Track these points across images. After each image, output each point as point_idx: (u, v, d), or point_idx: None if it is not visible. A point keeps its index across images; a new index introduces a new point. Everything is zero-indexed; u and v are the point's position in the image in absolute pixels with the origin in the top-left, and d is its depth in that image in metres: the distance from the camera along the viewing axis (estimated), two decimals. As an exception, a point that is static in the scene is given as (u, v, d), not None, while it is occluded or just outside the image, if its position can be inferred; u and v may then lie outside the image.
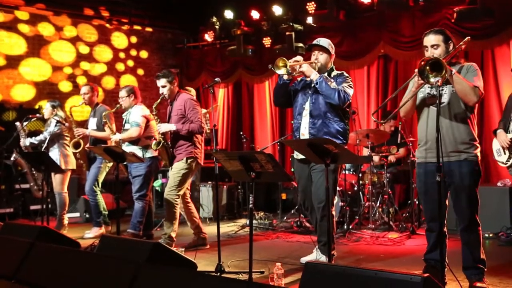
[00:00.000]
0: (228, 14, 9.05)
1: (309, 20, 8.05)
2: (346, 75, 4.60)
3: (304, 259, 4.62)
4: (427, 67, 3.33)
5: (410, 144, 6.38)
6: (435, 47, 3.65)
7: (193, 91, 6.44)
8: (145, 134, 5.89)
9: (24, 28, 8.84)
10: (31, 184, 7.49)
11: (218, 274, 4.11)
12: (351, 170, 7.09)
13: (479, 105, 7.12)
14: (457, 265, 3.75)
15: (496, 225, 5.72)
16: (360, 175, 6.80)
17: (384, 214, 6.41)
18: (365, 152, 6.85)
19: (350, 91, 4.46)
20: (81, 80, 9.33)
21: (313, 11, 7.91)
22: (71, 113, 6.48)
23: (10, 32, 8.69)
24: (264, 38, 8.87)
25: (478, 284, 3.59)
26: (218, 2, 9.26)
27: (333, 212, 4.57)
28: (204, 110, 6.42)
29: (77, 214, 7.99)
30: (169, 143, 5.41)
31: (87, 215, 7.63)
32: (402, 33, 7.45)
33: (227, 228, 6.85)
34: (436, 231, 3.74)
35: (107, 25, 9.86)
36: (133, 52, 10.26)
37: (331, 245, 3.96)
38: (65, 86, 9.30)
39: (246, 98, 10.17)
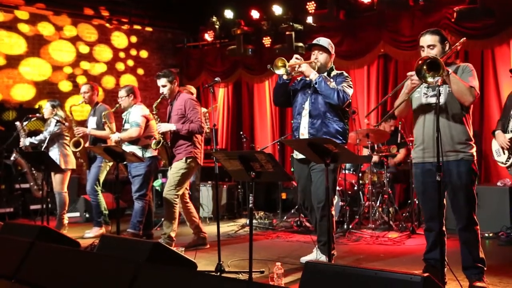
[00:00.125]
0: (228, 13, 9.05)
1: (309, 19, 8.05)
2: (346, 74, 4.60)
3: (304, 259, 4.62)
4: (424, 67, 3.34)
5: (410, 144, 6.37)
6: (431, 47, 3.66)
7: (193, 89, 6.44)
8: (145, 134, 5.89)
9: (24, 27, 8.84)
10: (31, 183, 7.49)
11: (218, 273, 4.11)
12: (351, 169, 7.09)
13: (479, 105, 7.21)
14: (457, 265, 3.75)
15: (496, 225, 5.73)
16: (360, 174, 6.80)
17: (384, 214, 6.41)
18: (365, 151, 6.85)
19: (350, 91, 4.45)
20: (81, 79, 9.33)
21: (313, 10, 7.91)
22: (71, 112, 6.48)
23: (10, 31, 8.69)
24: (264, 38, 8.87)
25: (478, 284, 3.59)
26: (218, 2, 9.26)
27: (333, 212, 4.57)
28: (204, 110, 6.41)
29: (77, 214, 7.99)
30: (169, 142, 5.41)
31: (87, 215, 7.63)
32: (402, 33, 7.46)
33: (227, 227, 6.85)
34: (435, 230, 3.74)
35: (107, 24, 9.86)
36: (133, 52, 10.26)
37: (331, 245, 3.96)
38: (65, 86, 9.30)
39: (246, 98, 10.17)
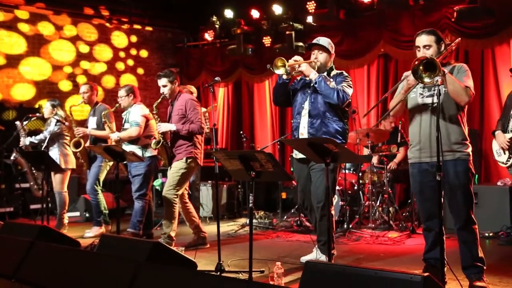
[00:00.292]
0: (228, 13, 9.05)
1: (309, 19, 8.05)
2: (346, 74, 4.59)
3: (304, 259, 4.62)
4: (421, 67, 3.34)
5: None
6: (427, 47, 3.67)
7: (194, 89, 6.44)
8: (145, 134, 5.89)
9: (24, 27, 8.84)
10: (31, 183, 7.49)
11: (218, 273, 4.11)
12: (351, 169, 7.09)
13: (479, 105, 7.21)
14: (457, 264, 3.75)
15: (496, 225, 5.72)
16: (360, 174, 6.80)
17: (384, 214, 6.41)
18: (365, 151, 6.85)
19: (349, 91, 4.45)
20: (81, 79, 9.33)
21: (313, 10, 7.91)
22: (71, 112, 6.48)
23: (10, 31, 8.69)
24: (264, 37, 8.87)
25: (478, 284, 3.59)
26: (218, 2, 9.26)
27: (333, 212, 4.57)
28: (203, 109, 6.41)
29: (77, 213, 7.99)
30: (169, 142, 5.41)
31: (87, 214, 7.63)
32: (402, 32, 7.46)
33: (227, 227, 6.85)
34: (434, 230, 3.75)
35: (107, 24, 9.86)
36: (133, 51, 10.26)
37: (330, 245, 3.96)
38: (65, 85, 9.30)
39: (246, 98, 10.17)
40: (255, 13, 8.74)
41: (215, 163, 4.54)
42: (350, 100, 4.51)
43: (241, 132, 8.29)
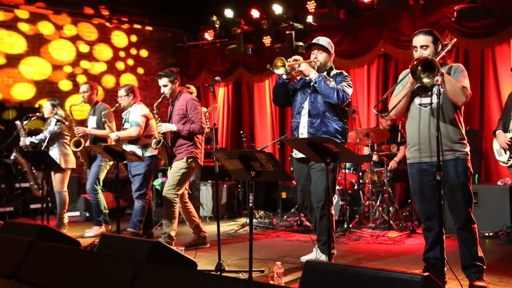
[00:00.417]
0: (228, 13, 9.05)
1: (309, 19, 8.05)
2: (345, 74, 4.59)
3: (304, 258, 4.62)
4: (419, 67, 3.35)
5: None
6: (424, 47, 3.67)
7: (193, 89, 6.44)
8: (145, 133, 5.88)
9: (24, 27, 8.84)
10: (31, 183, 7.49)
11: (218, 273, 4.11)
12: (351, 169, 7.09)
13: (479, 104, 7.21)
14: (457, 264, 3.75)
15: (496, 224, 5.72)
16: (360, 174, 6.80)
17: (384, 213, 6.41)
18: (365, 151, 6.85)
19: (349, 90, 4.45)
20: (81, 79, 9.33)
21: (313, 10, 7.91)
22: (71, 112, 6.48)
23: (10, 31, 8.69)
24: (264, 37, 8.87)
25: (478, 283, 3.59)
26: (218, 1, 9.26)
27: (333, 211, 4.57)
28: (204, 109, 6.41)
29: (77, 213, 7.99)
30: (169, 142, 5.40)
31: (87, 214, 7.63)
32: (402, 32, 7.45)
33: (227, 227, 6.85)
34: (434, 229, 3.75)
35: (107, 24, 9.86)
36: (133, 51, 10.26)
37: (330, 244, 3.96)
38: (65, 85, 9.30)
39: (246, 97, 10.17)
40: (255, 13, 8.73)
41: (215, 163, 4.54)
42: (350, 100, 4.50)
43: (241, 131, 8.30)
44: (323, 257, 4.44)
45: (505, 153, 5.09)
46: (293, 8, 8.31)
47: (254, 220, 6.81)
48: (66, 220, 6.55)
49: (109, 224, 6.43)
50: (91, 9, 9.49)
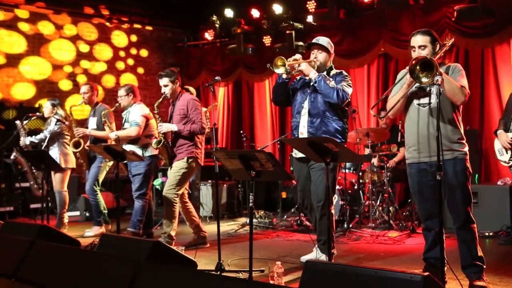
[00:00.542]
0: (228, 12, 9.05)
1: (309, 18, 8.05)
2: (345, 74, 4.59)
3: (304, 258, 4.62)
4: (417, 67, 3.35)
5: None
6: (422, 47, 3.68)
7: (192, 89, 6.43)
8: (145, 133, 5.88)
9: (24, 26, 8.83)
10: (31, 182, 7.49)
11: (218, 272, 4.11)
12: (351, 168, 7.09)
13: (479, 104, 7.21)
14: (457, 264, 3.75)
15: (496, 224, 5.72)
16: (360, 173, 6.80)
17: (384, 213, 6.41)
18: (366, 151, 6.85)
19: (349, 90, 4.45)
20: (81, 78, 9.33)
21: (313, 9, 7.91)
22: (71, 113, 6.48)
23: (10, 30, 8.69)
24: (264, 37, 8.87)
25: (478, 283, 3.59)
26: (218, 1, 9.26)
27: (333, 211, 4.57)
28: (204, 109, 6.41)
29: (77, 213, 7.99)
30: (170, 142, 5.40)
31: (87, 214, 7.63)
32: (402, 32, 7.45)
33: (227, 226, 6.85)
34: (433, 229, 3.75)
35: (107, 23, 9.86)
36: (133, 51, 10.26)
37: (330, 244, 3.96)
38: (65, 85, 9.30)
39: (246, 97, 10.17)
40: (255, 13, 8.73)
41: (215, 163, 4.54)
42: (349, 100, 4.51)
43: (241, 131, 8.30)
44: (323, 257, 4.44)
45: (507, 153, 5.09)
46: (293, 8, 8.31)
47: (254, 220, 6.82)
48: (66, 220, 6.55)
49: (109, 224, 6.43)
50: (91, 9, 9.49)
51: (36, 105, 8.71)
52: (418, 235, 5.71)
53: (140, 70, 10.33)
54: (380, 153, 6.69)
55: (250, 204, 3.71)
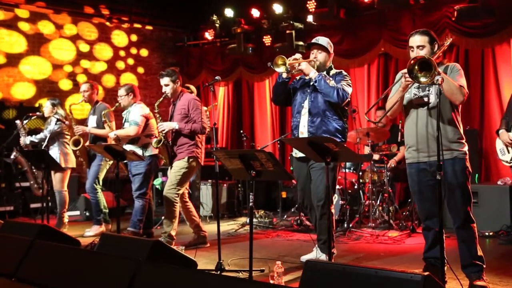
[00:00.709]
0: (229, 12, 9.05)
1: (310, 18, 8.05)
2: (345, 73, 4.60)
3: (304, 258, 4.62)
4: (416, 67, 3.35)
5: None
6: (420, 47, 3.67)
7: (193, 88, 6.43)
8: (145, 133, 5.88)
9: (24, 26, 8.83)
10: (31, 182, 7.49)
11: (218, 272, 4.11)
12: (352, 168, 7.09)
13: (479, 104, 7.21)
14: (457, 263, 3.75)
15: (496, 224, 5.73)
16: (361, 173, 6.80)
17: (384, 213, 6.41)
18: (366, 150, 6.85)
19: (349, 90, 4.46)
20: (81, 78, 9.33)
21: (313, 9, 7.91)
22: (70, 111, 6.48)
23: (10, 30, 8.69)
24: (265, 37, 8.87)
25: (478, 283, 3.59)
26: (218, 1, 9.25)
27: (333, 210, 4.57)
28: (204, 108, 6.41)
29: (77, 212, 7.99)
30: (170, 141, 5.40)
31: (87, 213, 7.63)
32: (402, 32, 7.45)
33: (227, 226, 6.85)
34: (433, 229, 3.75)
35: (107, 23, 9.86)
36: (133, 50, 10.26)
37: (331, 244, 3.96)
38: (65, 84, 9.30)
39: (246, 97, 10.17)
40: (255, 12, 8.73)
41: (215, 162, 4.54)
42: (349, 99, 4.51)
43: (241, 131, 8.30)
44: (323, 257, 4.45)
45: (508, 153, 5.09)
46: (293, 7, 8.31)
47: (254, 220, 6.82)
48: (66, 220, 6.55)
49: (109, 224, 6.43)
50: (91, 9, 9.48)
51: (36, 105, 8.71)
52: (418, 235, 5.71)
53: (140, 70, 10.33)
54: (380, 153, 6.69)
55: (250, 204, 3.71)
